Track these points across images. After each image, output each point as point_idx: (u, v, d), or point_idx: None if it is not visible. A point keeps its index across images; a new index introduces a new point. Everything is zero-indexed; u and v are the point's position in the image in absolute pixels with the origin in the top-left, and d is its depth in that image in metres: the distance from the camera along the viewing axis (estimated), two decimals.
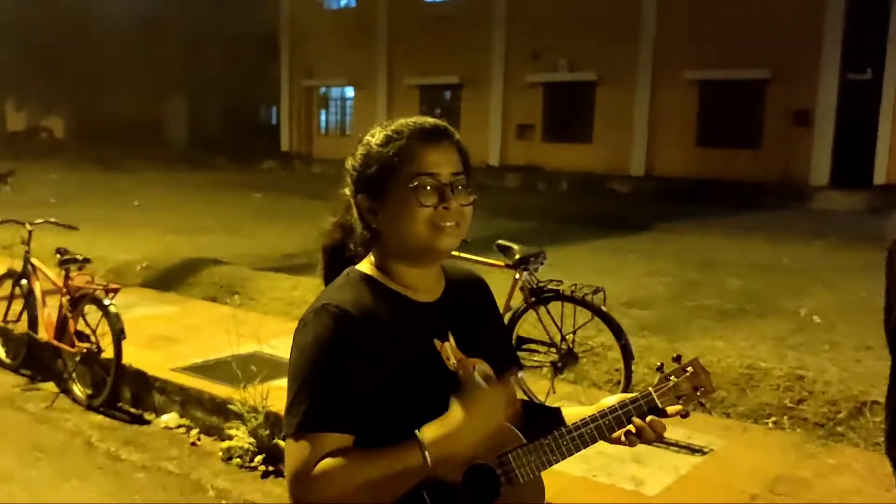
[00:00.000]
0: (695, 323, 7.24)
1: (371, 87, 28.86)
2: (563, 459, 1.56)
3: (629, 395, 1.60)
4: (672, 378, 1.60)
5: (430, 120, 1.58)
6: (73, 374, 5.71)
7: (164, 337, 6.52)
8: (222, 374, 5.44)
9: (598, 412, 1.58)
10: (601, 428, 1.57)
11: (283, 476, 4.54)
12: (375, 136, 1.59)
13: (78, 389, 5.68)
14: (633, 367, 4.90)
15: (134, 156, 28.42)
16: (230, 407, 4.88)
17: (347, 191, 1.64)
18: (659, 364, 1.63)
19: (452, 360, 1.58)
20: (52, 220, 6.49)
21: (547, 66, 24.35)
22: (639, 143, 22.93)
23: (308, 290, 7.67)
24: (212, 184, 21.83)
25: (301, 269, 9.26)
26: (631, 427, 1.57)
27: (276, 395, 4.89)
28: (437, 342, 1.58)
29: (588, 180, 22.10)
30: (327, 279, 1.68)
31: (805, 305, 7.96)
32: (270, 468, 4.59)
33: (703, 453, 4.37)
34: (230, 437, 4.79)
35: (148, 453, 4.86)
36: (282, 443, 4.63)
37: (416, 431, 1.45)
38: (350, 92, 30.26)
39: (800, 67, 19.96)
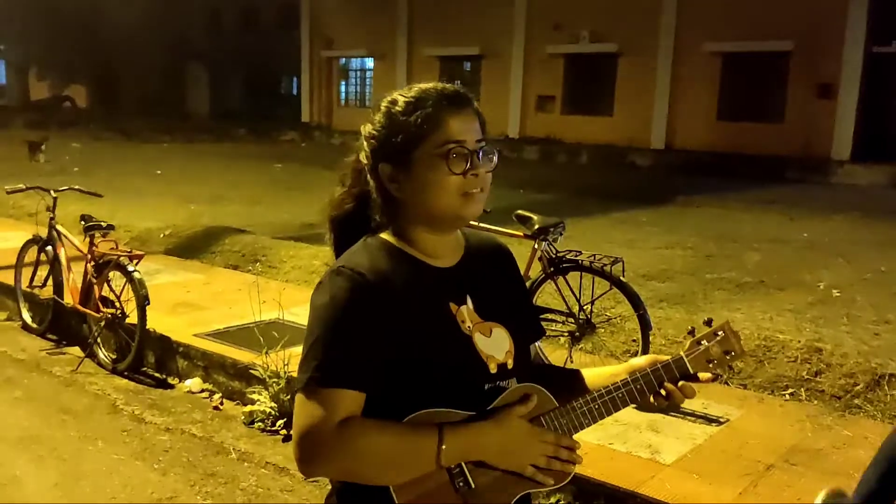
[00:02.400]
0: (713, 295, 7.24)
1: (391, 58, 28.77)
2: (594, 422, 1.58)
3: (661, 358, 1.61)
4: (703, 342, 1.60)
5: (451, 86, 1.57)
6: (98, 339, 5.81)
7: (187, 303, 6.61)
8: (244, 340, 5.53)
9: (630, 376, 1.59)
10: (632, 391, 1.58)
11: None
12: (398, 104, 1.55)
13: (103, 354, 5.78)
14: (651, 338, 4.92)
15: (156, 125, 28.55)
16: (252, 372, 4.96)
17: (363, 158, 1.61)
18: (690, 328, 1.66)
19: (468, 323, 1.57)
20: (77, 187, 6.56)
21: (568, 37, 24.15)
22: (659, 116, 22.75)
23: (328, 258, 7.71)
24: (233, 154, 21.92)
25: (321, 239, 9.27)
26: (662, 390, 1.59)
27: (296, 360, 4.93)
28: (452, 305, 1.57)
29: (608, 153, 21.99)
30: (339, 250, 1.65)
31: (824, 279, 7.94)
32: (292, 432, 4.66)
33: (720, 423, 4.41)
34: (252, 402, 4.87)
35: (172, 416, 4.96)
36: None
37: (441, 426, 1.44)
38: (370, 63, 30.19)
39: (824, 40, 19.68)
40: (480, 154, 1.53)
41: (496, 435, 1.48)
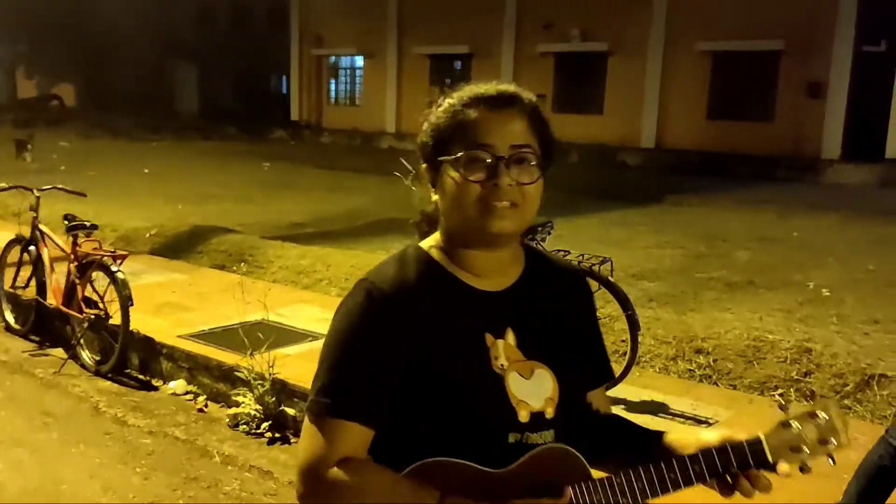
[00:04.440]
0: (703, 295, 7.21)
1: (381, 56, 28.68)
2: (633, 503, 1.32)
3: (735, 436, 1.33)
4: (794, 424, 1.30)
5: (498, 85, 1.40)
6: (81, 341, 5.74)
7: (172, 304, 6.54)
8: (230, 341, 5.46)
9: (689, 457, 1.32)
10: (689, 475, 1.31)
11: (288, 443, 4.59)
12: (441, 105, 1.41)
13: (86, 355, 5.71)
14: (640, 339, 4.88)
15: (144, 124, 28.43)
16: (237, 374, 4.90)
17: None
18: (782, 402, 1.32)
19: (501, 361, 1.37)
20: (60, 186, 6.49)
21: (559, 36, 24.11)
22: (650, 115, 22.74)
23: (316, 258, 7.69)
24: (222, 153, 21.82)
25: (309, 239, 9.28)
26: (727, 476, 1.32)
27: (282, 362, 4.91)
28: (488, 336, 1.38)
29: (598, 151, 21.96)
30: None
31: (814, 279, 7.91)
32: (276, 435, 4.62)
33: (709, 424, 4.37)
34: (237, 404, 4.81)
35: (155, 419, 4.90)
36: (288, 410, 4.67)
37: (440, 498, 1.27)
38: (360, 61, 30.09)
39: (814, 39, 19.70)
40: (509, 161, 1.33)
41: None
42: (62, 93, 38.63)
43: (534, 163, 1.36)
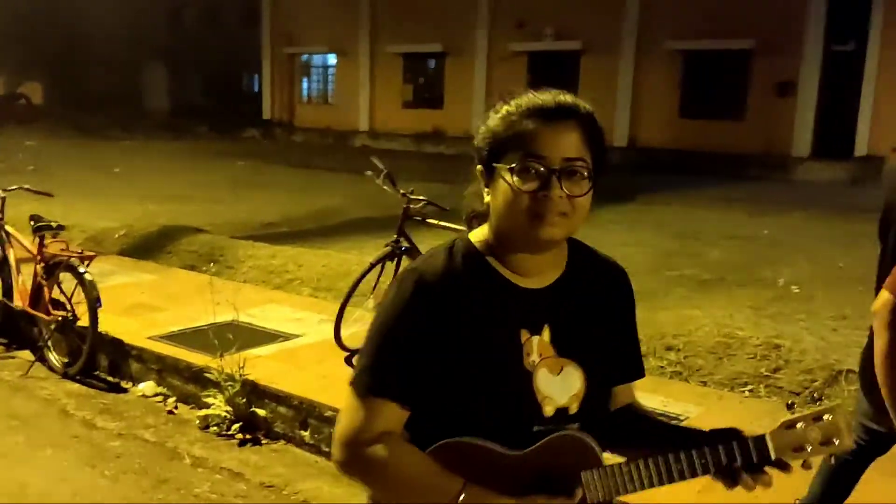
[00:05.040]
0: (674, 292, 7.26)
1: (353, 54, 28.59)
2: (641, 490, 1.42)
3: (741, 433, 1.42)
4: (799, 426, 1.37)
5: (557, 96, 1.44)
6: (49, 343, 5.66)
7: (141, 305, 6.47)
8: (200, 342, 5.41)
9: (697, 451, 1.41)
10: (694, 466, 1.40)
11: (259, 444, 4.56)
12: (499, 111, 1.46)
13: (54, 357, 5.63)
14: None
15: (114, 123, 28.13)
16: (207, 375, 4.86)
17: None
18: (790, 402, 1.43)
19: (533, 357, 1.45)
20: (26, 186, 6.39)
21: (532, 34, 24.17)
22: (622, 114, 22.85)
23: (288, 258, 7.64)
24: (193, 152, 21.65)
25: (281, 238, 9.23)
26: (732, 472, 1.41)
27: (253, 363, 4.88)
28: (524, 332, 1.46)
29: None
30: None
31: (783, 275, 8.00)
32: (247, 436, 4.58)
33: (679, 421, 4.39)
34: (207, 406, 4.77)
35: (124, 421, 4.84)
36: (259, 411, 4.64)
37: (464, 486, 1.38)
38: (332, 59, 29.97)
39: (784, 38, 19.91)
40: (562, 174, 1.38)
41: None
42: (29, 92, 38.05)
43: (585, 175, 1.41)
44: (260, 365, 4.95)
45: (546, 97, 1.44)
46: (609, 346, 1.55)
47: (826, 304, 6.85)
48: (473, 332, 1.43)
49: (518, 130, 1.41)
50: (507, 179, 1.40)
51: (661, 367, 5.12)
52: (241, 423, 4.63)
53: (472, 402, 1.42)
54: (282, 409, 4.62)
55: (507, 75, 24.84)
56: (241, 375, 4.69)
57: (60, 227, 5.80)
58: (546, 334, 1.47)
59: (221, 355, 4.84)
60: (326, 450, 4.41)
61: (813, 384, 4.76)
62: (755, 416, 4.49)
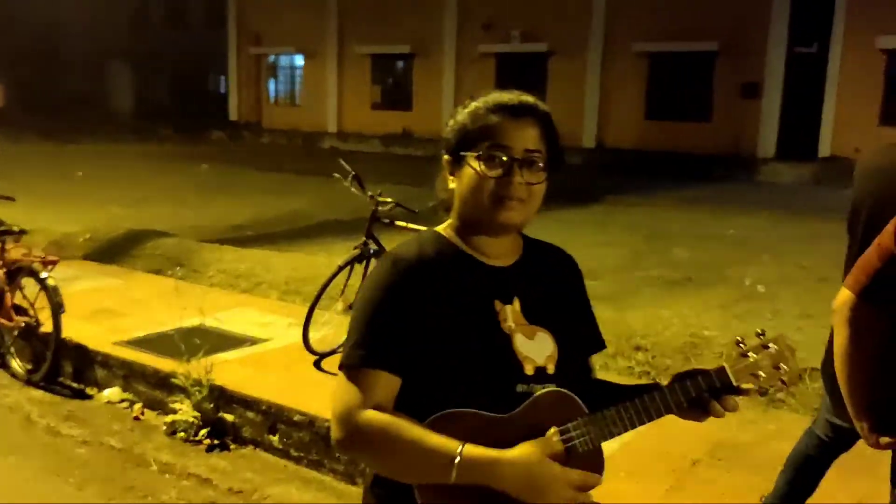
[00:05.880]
0: (643, 292, 7.32)
1: (321, 55, 28.47)
2: (625, 431, 1.54)
3: (703, 369, 1.59)
4: (751, 355, 1.56)
5: (519, 96, 1.61)
6: (12, 349, 5.57)
7: (106, 310, 6.38)
8: (166, 347, 5.34)
9: (667, 387, 1.57)
10: (667, 401, 1.55)
11: (227, 450, 4.52)
12: (468, 107, 1.63)
13: (16, 364, 5.54)
14: None
15: (77, 125, 27.74)
16: (174, 381, 4.80)
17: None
18: (738, 338, 1.58)
19: (509, 323, 1.58)
20: None
21: (499, 36, 24.23)
22: (590, 115, 22.99)
23: (255, 262, 7.58)
24: (158, 154, 21.43)
25: (248, 242, 9.16)
26: (702, 403, 1.57)
27: (220, 368, 4.83)
28: (497, 303, 1.59)
29: None
30: None
31: (750, 275, 8.09)
32: (215, 442, 4.54)
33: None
34: (174, 411, 4.72)
35: (89, 428, 4.77)
36: (227, 416, 4.60)
37: (461, 447, 1.43)
38: (300, 60, 29.81)
39: (748, 40, 20.15)
40: (523, 163, 1.55)
41: (519, 470, 1.45)
42: None
43: (542, 166, 1.59)
44: (228, 370, 4.90)
45: (510, 96, 1.61)
46: (570, 318, 1.69)
47: (791, 303, 6.94)
48: (451, 305, 1.55)
49: (485, 123, 1.57)
50: (474, 166, 1.56)
51: (630, 366, 5.15)
52: (208, 429, 4.58)
53: (459, 367, 1.52)
54: (250, 414, 4.58)
55: (475, 77, 24.90)
56: (208, 380, 4.64)
57: (22, 232, 5.71)
58: (517, 304, 1.61)
59: (188, 360, 4.79)
60: (295, 454, 4.38)
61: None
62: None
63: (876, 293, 2.07)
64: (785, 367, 1.54)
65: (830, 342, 2.57)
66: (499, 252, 1.64)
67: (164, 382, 4.98)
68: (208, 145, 25.75)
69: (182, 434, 4.62)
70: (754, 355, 1.55)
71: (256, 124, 30.19)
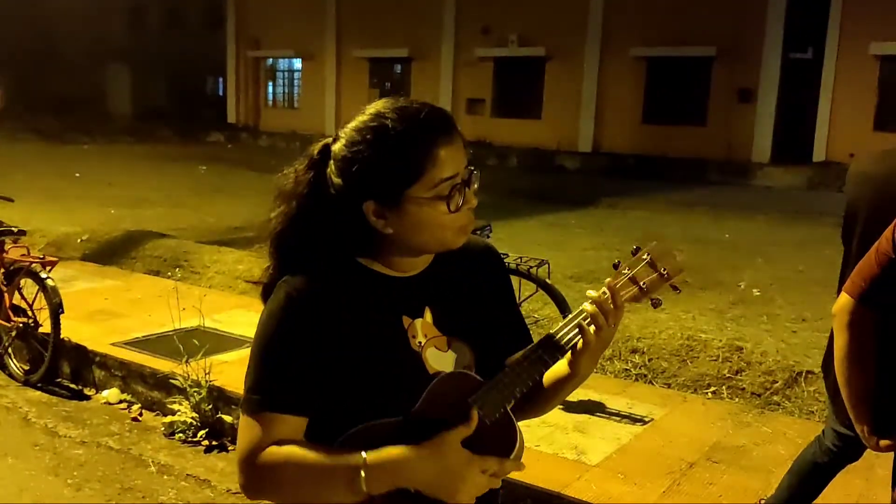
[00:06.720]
0: None
1: (319, 59, 28.52)
2: (528, 387, 1.40)
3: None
4: (626, 270, 1.43)
5: (438, 111, 1.43)
6: (10, 349, 5.57)
7: (104, 311, 6.40)
8: (164, 348, 5.36)
9: (556, 331, 1.43)
10: (557, 342, 1.41)
11: (226, 451, 4.54)
12: (385, 132, 1.37)
13: (14, 365, 5.55)
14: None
15: (75, 126, 27.73)
16: (172, 382, 4.81)
17: (335, 178, 1.43)
18: (616, 261, 1.47)
19: (419, 339, 1.45)
20: None
21: (497, 40, 24.29)
22: (587, 119, 23.07)
23: (253, 263, 7.59)
24: (156, 156, 21.43)
25: (246, 243, 9.17)
26: (591, 328, 1.42)
27: (218, 369, 4.85)
28: (405, 318, 1.46)
29: (537, 155, 22.19)
30: (281, 273, 1.49)
31: (745, 279, 8.12)
32: (214, 443, 4.55)
33: (644, 423, 4.45)
34: (173, 412, 4.73)
35: (87, 429, 4.78)
36: (225, 417, 4.61)
37: (364, 453, 1.32)
38: (298, 64, 29.86)
39: (744, 46, 20.25)
40: (469, 182, 1.41)
41: (430, 463, 1.33)
42: None
43: (476, 176, 1.43)
44: (226, 371, 4.92)
45: (438, 112, 1.42)
46: (492, 321, 1.56)
47: (786, 307, 6.97)
48: (354, 328, 1.41)
49: (428, 156, 1.36)
50: (434, 207, 1.37)
51: (626, 369, 5.18)
52: (207, 430, 4.60)
53: (368, 392, 1.40)
54: None
55: (472, 81, 24.99)
56: (207, 381, 4.65)
57: (21, 233, 5.71)
58: (428, 316, 1.48)
59: (187, 361, 4.80)
60: None
61: (774, 385, 4.85)
62: (718, 417, 4.57)
63: (875, 298, 2.11)
64: (669, 269, 1.41)
65: (830, 347, 2.59)
66: (411, 263, 1.48)
67: (162, 383, 4.99)
68: (206, 147, 25.75)
69: (180, 435, 4.63)
70: (629, 270, 1.42)
71: (254, 127, 30.25)
